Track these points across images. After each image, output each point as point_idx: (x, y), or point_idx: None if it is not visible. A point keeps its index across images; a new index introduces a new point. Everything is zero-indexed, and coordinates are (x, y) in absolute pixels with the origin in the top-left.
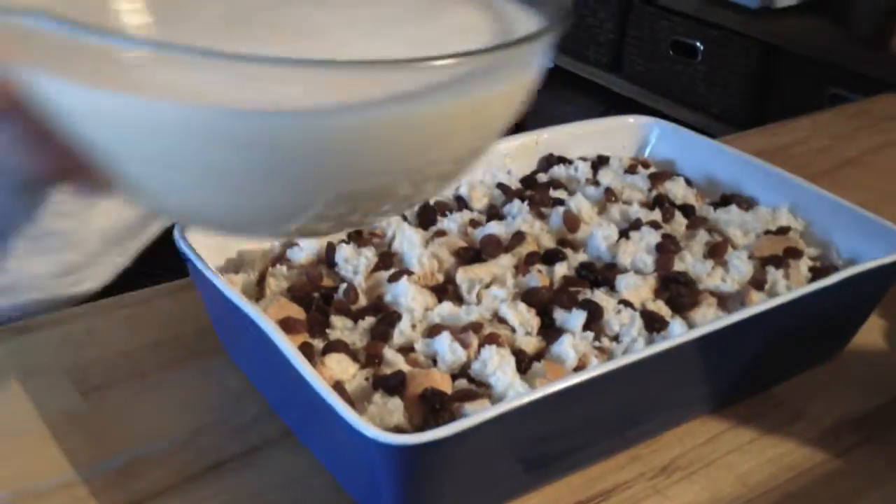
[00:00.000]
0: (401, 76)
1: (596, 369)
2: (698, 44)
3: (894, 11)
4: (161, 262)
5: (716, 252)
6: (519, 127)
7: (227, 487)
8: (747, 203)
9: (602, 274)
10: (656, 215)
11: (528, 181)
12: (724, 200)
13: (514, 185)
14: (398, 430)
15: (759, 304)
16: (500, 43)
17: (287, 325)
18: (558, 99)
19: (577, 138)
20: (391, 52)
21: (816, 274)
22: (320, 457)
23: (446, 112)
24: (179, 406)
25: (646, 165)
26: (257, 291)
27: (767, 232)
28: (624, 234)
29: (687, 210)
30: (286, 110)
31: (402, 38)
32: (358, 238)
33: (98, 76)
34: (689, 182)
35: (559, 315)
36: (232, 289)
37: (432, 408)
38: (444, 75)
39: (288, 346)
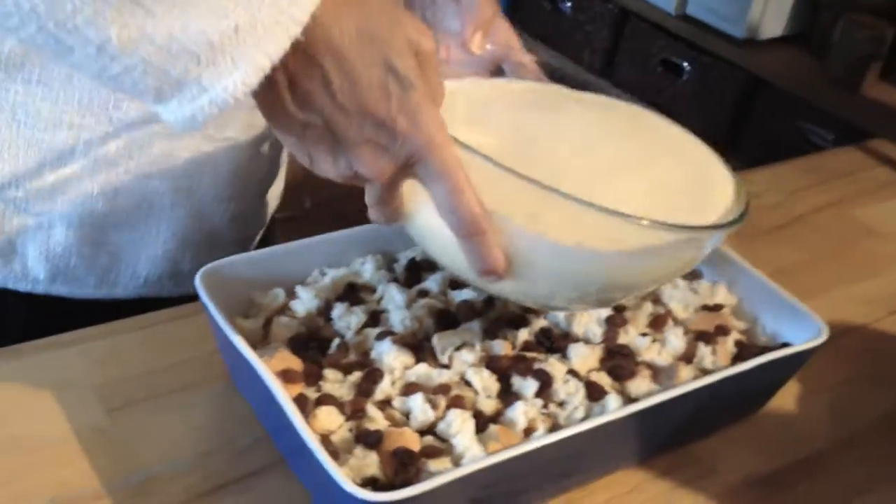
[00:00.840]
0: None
1: (538, 440)
2: (685, 64)
3: (868, 57)
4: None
5: (657, 324)
6: None
7: None
8: (692, 275)
9: (557, 341)
10: None
11: None
12: None
13: None
14: (374, 479)
15: (682, 384)
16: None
17: (286, 376)
18: None
19: None
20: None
21: (741, 350)
22: (306, 485)
23: (691, 257)
24: (191, 428)
25: None
26: (263, 335)
27: (705, 307)
28: None
29: None
30: (628, 251)
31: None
32: (352, 296)
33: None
34: None
35: (516, 381)
36: (241, 341)
37: (402, 463)
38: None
39: (286, 400)
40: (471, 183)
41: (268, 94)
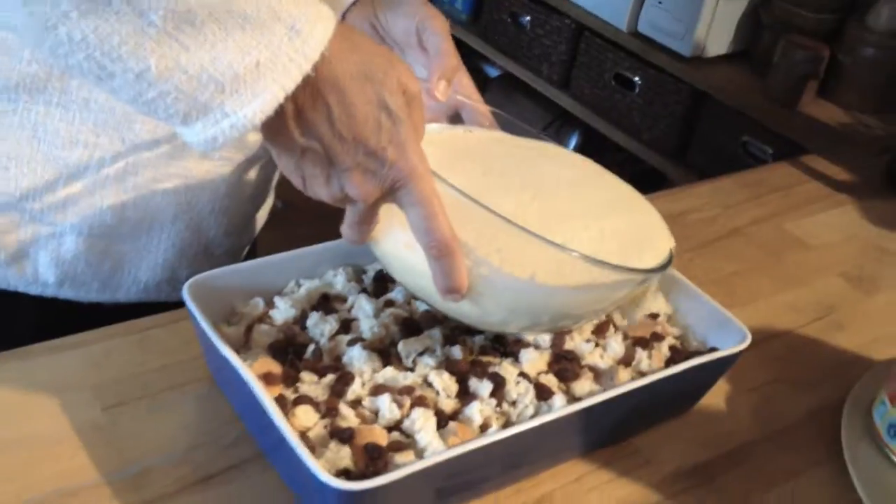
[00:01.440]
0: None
1: (492, 436)
2: (637, 79)
3: (806, 76)
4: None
5: (600, 330)
6: None
7: (212, 499)
8: None
9: (510, 347)
10: None
11: None
12: None
13: None
14: (346, 471)
15: (621, 385)
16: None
17: (267, 379)
18: (514, 104)
19: None
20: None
21: (674, 354)
22: (285, 479)
23: (625, 294)
24: (179, 425)
25: None
26: (244, 341)
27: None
28: None
29: None
30: (572, 286)
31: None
32: (325, 306)
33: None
34: None
35: (473, 383)
36: (226, 347)
37: (371, 456)
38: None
39: (268, 400)
40: (444, 210)
41: (275, 121)
